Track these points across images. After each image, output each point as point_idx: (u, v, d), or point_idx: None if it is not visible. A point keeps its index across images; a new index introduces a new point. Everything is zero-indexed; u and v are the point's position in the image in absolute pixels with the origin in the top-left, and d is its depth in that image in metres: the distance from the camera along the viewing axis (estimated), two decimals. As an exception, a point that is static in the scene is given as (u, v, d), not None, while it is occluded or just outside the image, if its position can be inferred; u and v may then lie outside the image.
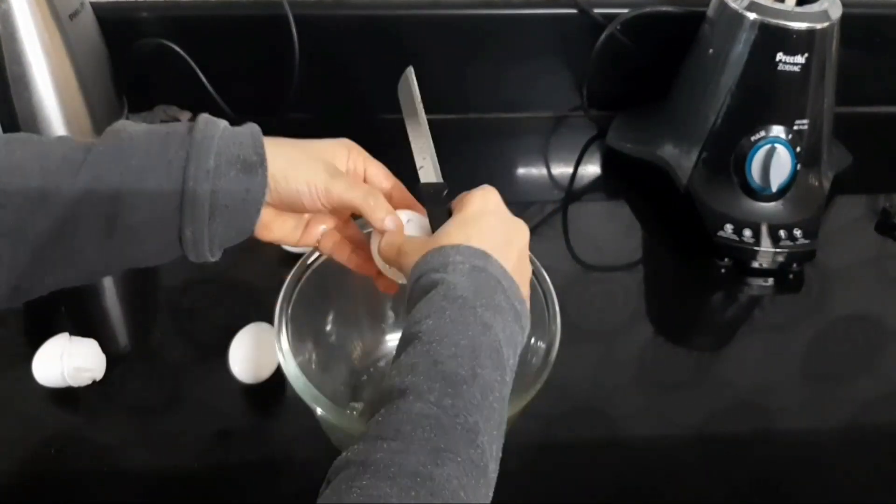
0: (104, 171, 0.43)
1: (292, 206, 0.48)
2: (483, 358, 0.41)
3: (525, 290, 0.47)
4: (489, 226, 0.48)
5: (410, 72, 0.54)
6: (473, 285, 0.43)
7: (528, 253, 0.50)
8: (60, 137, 0.45)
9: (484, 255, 0.45)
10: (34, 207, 0.41)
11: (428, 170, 0.52)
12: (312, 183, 0.47)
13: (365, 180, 0.52)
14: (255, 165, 0.45)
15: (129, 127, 0.45)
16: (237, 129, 0.46)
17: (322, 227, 0.53)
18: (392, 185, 0.53)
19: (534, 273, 0.57)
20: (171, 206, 0.43)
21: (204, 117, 0.46)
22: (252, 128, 0.47)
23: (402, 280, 0.51)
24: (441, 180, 0.52)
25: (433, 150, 0.53)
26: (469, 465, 0.37)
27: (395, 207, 0.51)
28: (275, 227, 0.50)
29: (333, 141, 0.52)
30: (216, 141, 0.45)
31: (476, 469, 0.37)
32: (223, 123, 0.46)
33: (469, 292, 0.43)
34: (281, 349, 0.52)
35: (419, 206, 0.52)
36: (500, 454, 0.40)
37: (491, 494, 0.39)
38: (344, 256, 0.53)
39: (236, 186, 0.44)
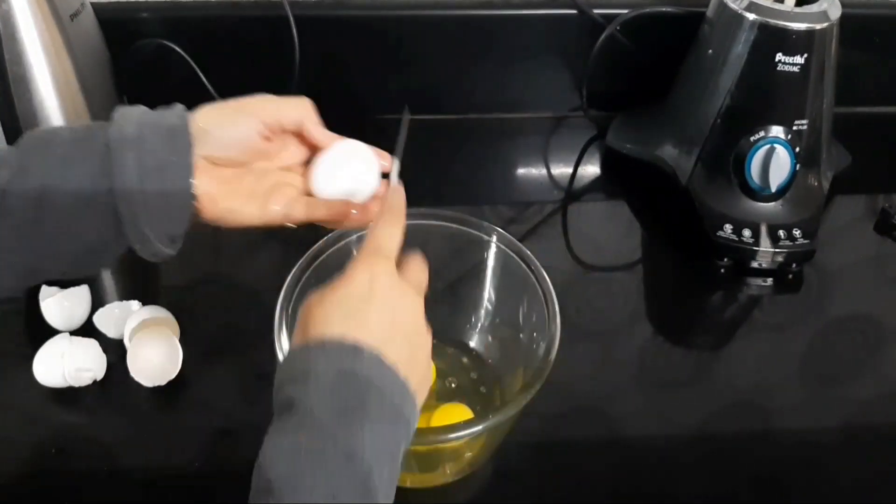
0: (29, 161, 0.42)
1: (244, 151, 0.47)
2: (343, 501, 0.36)
3: (419, 368, 0.42)
4: (374, 312, 0.41)
5: (406, 113, 0.54)
6: (335, 403, 0.38)
7: (422, 325, 0.44)
8: None
9: (354, 351, 0.39)
10: None
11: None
12: (261, 111, 0.47)
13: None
14: (179, 128, 0.45)
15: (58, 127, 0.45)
16: (160, 109, 0.47)
17: (286, 205, 0.50)
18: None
19: (533, 273, 0.57)
20: (98, 185, 0.42)
21: (121, 106, 0.46)
22: (177, 106, 0.47)
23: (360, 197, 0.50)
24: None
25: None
26: None
27: None
28: (221, 199, 0.47)
29: (287, 99, 0.51)
30: (136, 115, 0.45)
31: None
32: (144, 107, 0.46)
33: (329, 415, 0.37)
34: (281, 349, 0.52)
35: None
36: None
37: None
38: (321, 213, 0.51)
39: (161, 148, 0.44)
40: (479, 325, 0.64)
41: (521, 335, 0.60)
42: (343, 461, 0.36)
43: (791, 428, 0.65)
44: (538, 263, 0.56)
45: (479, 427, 0.48)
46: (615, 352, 0.70)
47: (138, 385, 0.62)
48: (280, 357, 0.51)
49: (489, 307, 0.64)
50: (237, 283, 0.73)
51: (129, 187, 0.42)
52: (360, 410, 0.38)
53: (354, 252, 0.60)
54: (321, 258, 0.58)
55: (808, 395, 0.67)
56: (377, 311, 0.41)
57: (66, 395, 0.62)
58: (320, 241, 0.59)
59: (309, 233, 0.79)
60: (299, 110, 0.50)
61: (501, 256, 0.61)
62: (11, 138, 0.70)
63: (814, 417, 0.66)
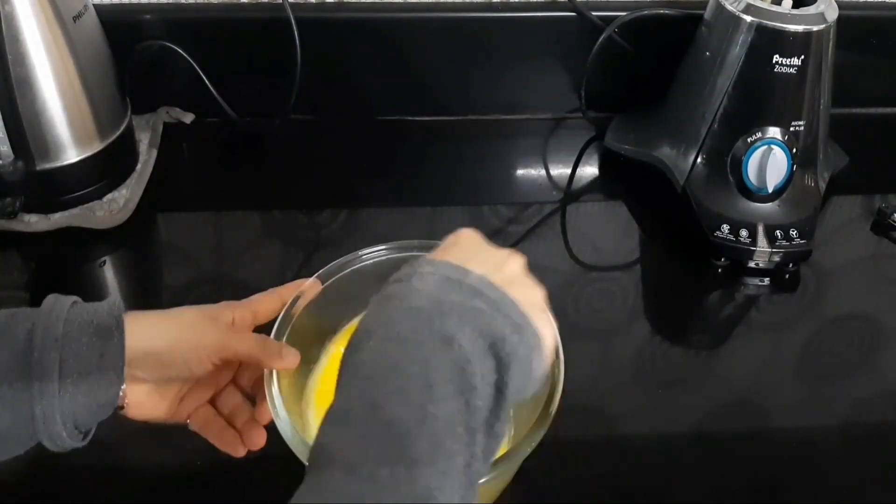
0: None
1: (178, 374, 0.45)
2: (439, 387, 0.33)
3: (538, 318, 0.39)
4: (473, 249, 0.41)
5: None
6: (438, 293, 0.37)
7: (530, 281, 0.42)
8: None
9: (462, 270, 0.38)
10: None
11: None
12: (202, 344, 0.44)
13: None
14: (111, 328, 0.41)
15: None
16: (93, 302, 0.43)
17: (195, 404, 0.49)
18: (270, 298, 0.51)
19: None
20: (17, 382, 0.39)
21: (53, 295, 0.43)
22: (110, 298, 0.44)
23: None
24: None
25: None
26: None
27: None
28: (149, 406, 0.46)
29: (209, 306, 0.48)
30: (66, 310, 0.41)
31: None
32: (75, 297, 0.43)
33: (429, 301, 0.36)
34: (272, 396, 0.48)
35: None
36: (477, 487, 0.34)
37: None
38: (213, 432, 0.49)
39: (89, 352, 0.40)
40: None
41: None
42: (440, 345, 0.34)
43: (788, 427, 0.65)
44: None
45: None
46: (613, 351, 0.70)
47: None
48: (271, 402, 0.48)
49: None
50: (237, 283, 0.74)
51: (47, 389, 0.39)
52: (460, 306, 0.36)
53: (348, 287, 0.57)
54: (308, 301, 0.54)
55: (805, 395, 0.68)
56: (478, 249, 0.41)
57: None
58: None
59: (310, 232, 0.80)
60: (256, 350, 0.47)
61: None
62: (14, 140, 0.70)
63: (811, 416, 0.66)
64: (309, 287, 0.53)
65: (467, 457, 0.33)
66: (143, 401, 0.45)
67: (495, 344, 0.36)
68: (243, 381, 0.52)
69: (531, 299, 0.40)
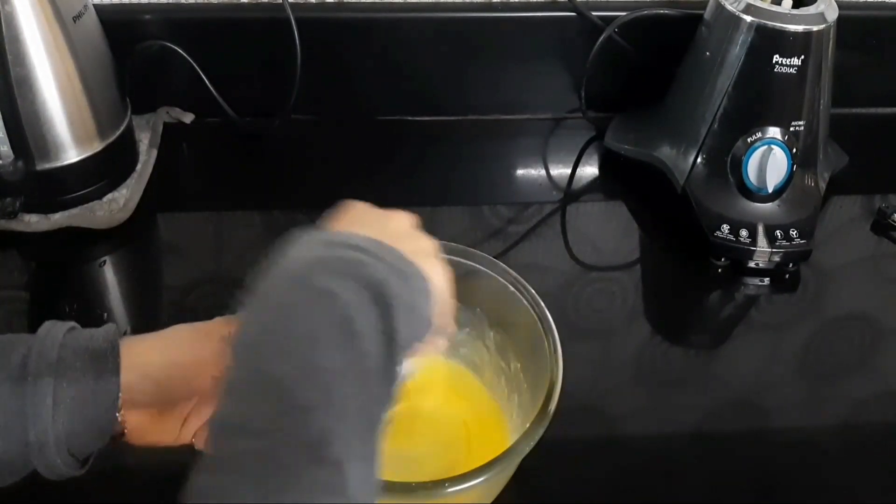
0: None
1: (179, 393, 0.44)
2: (323, 341, 0.33)
3: (424, 263, 0.40)
4: (358, 216, 0.42)
5: None
6: (316, 254, 0.37)
7: (418, 234, 0.43)
8: None
9: (344, 233, 0.39)
10: None
11: None
12: (201, 358, 0.43)
13: None
14: (106, 353, 0.41)
15: None
16: (90, 328, 0.43)
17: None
18: None
19: (536, 314, 0.54)
20: (11, 408, 0.38)
21: (49, 322, 0.42)
22: (108, 325, 0.43)
23: None
24: None
25: None
26: (314, 487, 0.30)
27: None
28: (152, 430, 0.45)
29: (202, 322, 0.47)
30: (62, 335, 0.41)
31: (327, 487, 0.30)
32: (72, 324, 0.43)
33: (305, 264, 0.36)
34: None
35: None
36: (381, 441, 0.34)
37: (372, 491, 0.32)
38: None
39: (84, 377, 0.40)
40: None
41: (523, 383, 0.57)
42: (317, 300, 0.35)
43: (788, 427, 0.65)
44: (533, 292, 0.55)
45: (470, 483, 0.45)
46: (613, 351, 0.70)
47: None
48: None
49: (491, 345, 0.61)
50: (237, 283, 0.74)
51: (41, 415, 0.39)
52: (338, 263, 0.36)
53: None
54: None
55: (805, 394, 0.68)
56: (361, 214, 0.42)
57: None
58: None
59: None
60: None
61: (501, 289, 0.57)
62: (14, 140, 0.70)
63: (811, 416, 0.66)
64: None
65: (363, 400, 0.33)
66: (145, 426, 0.45)
67: (380, 292, 0.35)
68: None
69: (418, 248, 0.41)
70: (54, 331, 0.41)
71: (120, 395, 0.41)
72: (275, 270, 0.37)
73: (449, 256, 0.58)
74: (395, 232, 0.41)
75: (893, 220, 0.82)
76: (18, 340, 0.41)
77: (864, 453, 0.63)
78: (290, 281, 0.36)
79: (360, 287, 0.35)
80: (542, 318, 0.54)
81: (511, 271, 0.57)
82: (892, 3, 0.92)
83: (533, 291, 0.56)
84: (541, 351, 0.52)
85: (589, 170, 0.90)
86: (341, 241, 0.38)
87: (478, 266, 0.58)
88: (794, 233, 0.75)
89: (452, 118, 0.94)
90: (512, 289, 0.57)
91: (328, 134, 0.91)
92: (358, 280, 0.35)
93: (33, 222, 0.74)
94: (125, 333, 0.66)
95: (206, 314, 0.70)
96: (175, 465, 0.58)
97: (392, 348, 0.35)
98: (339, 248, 0.37)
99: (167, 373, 0.43)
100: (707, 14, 0.79)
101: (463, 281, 0.58)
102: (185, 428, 0.47)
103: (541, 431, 0.48)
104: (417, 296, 0.38)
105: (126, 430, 0.44)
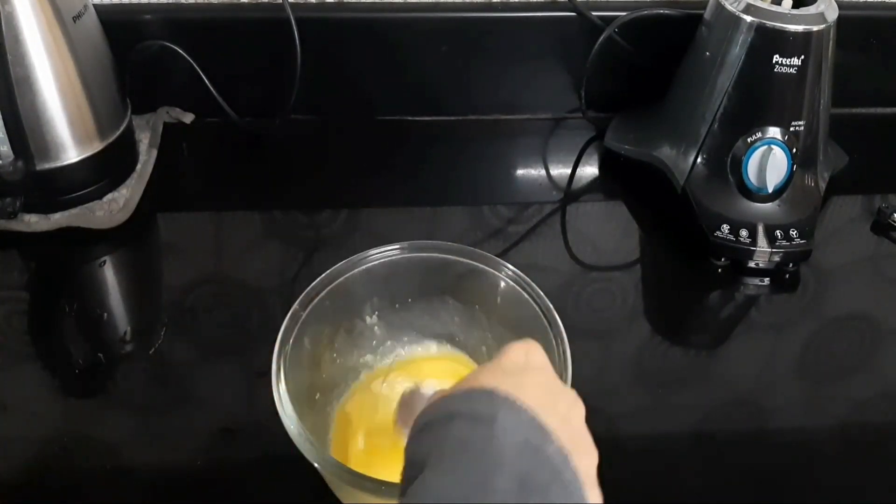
0: None
1: None
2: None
3: (575, 434, 0.39)
4: (534, 382, 0.39)
5: None
6: (520, 463, 0.34)
7: (588, 441, 0.41)
8: None
9: (542, 431, 0.36)
10: None
11: None
12: None
13: None
14: None
15: None
16: None
17: None
18: None
19: (544, 315, 0.54)
20: None
21: None
22: None
23: None
24: None
25: None
26: None
27: None
28: None
29: None
30: None
31: None
32: None
33: (511, 477, 0.33)
34: (279, 392, 0.49)
35: None
36: None
37: None
38: None
39: None
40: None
41: None
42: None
43: (788, 427, 0.65)
44: (550, 305, 0.54)
45: None
46: (613, 351, 0.70)
47: (142, 383, 0.63)
48: (279, 401, 0.49)
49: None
50: (237, 283, 0.74)
51: None
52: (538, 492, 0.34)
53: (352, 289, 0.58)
54: (316, 300, 0.55)
55: (805, 395, 0.68)
56: (532, 377, 0.40)
57: (71, 394, 0.63)
58: (315, 282, 0.56)
59: (310, 232, 0.80)
60: None
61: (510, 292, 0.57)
62: (14, 140, 0.70)
63: (811, 416, 0.66)
64: None
65: None
66: None
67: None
68: None
69: (589, 469, 0.39)
70: None
71: None
72: (480, 456, 0.34)
73: (449, 256, 0.58)
74: (576, 436, 0.39)
75: (893, 220, 0.82)
76: None
77: (864, 453, 0.63)
78: (495, 492, 0.33)
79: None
80: (546, 312, 0.54)
81: (510, 266, 0.58)
82: (892, 3, 0.92)
83: (535, 286, 0.56)
84: (547, 345, 0.52)
85: (589, 170, 0.90)
86: (545, 454, 0.36)
87: (479, 265, 0.58)
88: (794, 233, 0.75)
89: (453, 118, 0.94)
90: (514, 285, 0.57)
91: (328, 134, 0.91)
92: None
93: (33, 222, 0.74)
94: (125, 333, 0.68)
95: (206, 314, 0.70)
96: (175, 465, 0.59)
97: None
98: (543, 466, 0.35)
99: None
100: (707, 14, 0.79)
101: (463, 280, 0.59)
102: None
103: None
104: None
105: None
